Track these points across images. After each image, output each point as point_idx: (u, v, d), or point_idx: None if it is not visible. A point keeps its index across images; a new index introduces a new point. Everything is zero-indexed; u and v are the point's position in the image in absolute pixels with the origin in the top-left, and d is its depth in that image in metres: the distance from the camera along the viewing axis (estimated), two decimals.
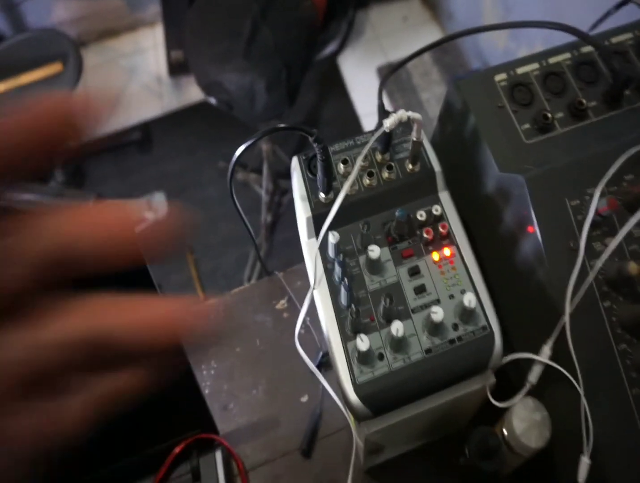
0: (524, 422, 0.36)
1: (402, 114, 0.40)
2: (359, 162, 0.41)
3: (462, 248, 0.42)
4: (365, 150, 0.41)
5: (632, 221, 0.36)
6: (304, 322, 0.50)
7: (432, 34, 1.98)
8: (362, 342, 0.35)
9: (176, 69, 1.99)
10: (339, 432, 0.49)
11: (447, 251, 0.41)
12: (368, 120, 1.74)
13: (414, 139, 0.42)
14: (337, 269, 0.39)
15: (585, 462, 0.34)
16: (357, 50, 2.04)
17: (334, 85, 1.75)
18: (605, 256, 0.36)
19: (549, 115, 0.44)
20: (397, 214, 0.41)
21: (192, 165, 1.66)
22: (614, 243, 0.36)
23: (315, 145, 0.40)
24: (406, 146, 0.46)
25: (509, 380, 0.39)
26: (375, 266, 0.40)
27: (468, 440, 0.36)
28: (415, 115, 0.40)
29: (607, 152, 0.40)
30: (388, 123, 0.40)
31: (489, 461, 0.35)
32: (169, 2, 1.94)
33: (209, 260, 1.39)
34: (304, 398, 0.48)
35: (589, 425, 0.34)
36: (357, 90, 1.85)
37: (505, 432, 0.37)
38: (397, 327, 0.35)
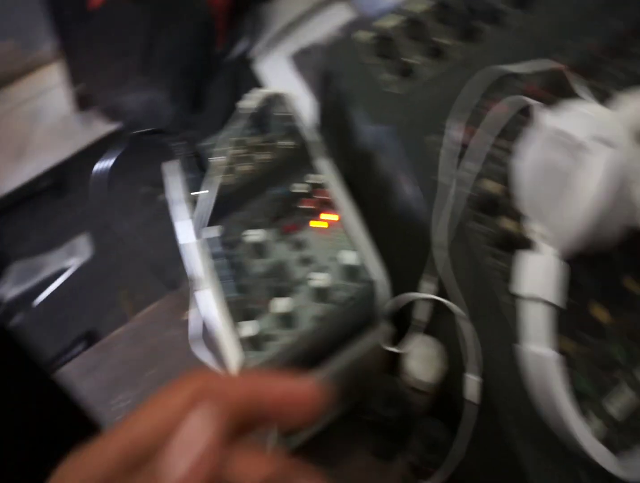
0: (419, 360, 0.39)
1: (262, 92, 0.43)
2: (221, 154, 0.44)
3: (344, 211, 0.45)
4: (228, 143, 0.44)
5: (483, 140, 0.40)
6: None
7: (341, 14, 2.04)
8: (249, 328, 0.38)
9: (82, 103, 1.99)
10: None
11: (329, 217, 0.45)
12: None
13: (284, 114, 0.45)
14: (221, 263, 0.42)
15: (471, 378, 0.37)
16: (268, 43, 2.09)
17: (250, 83, 1.79)
18: (463, 178, 0.40)
19: (411, 62, 0.48)
20: (274, 192, 0.44)
21: (113, 198, 1.67)
22: (468, 165, 0.40)
23: (178, 145, 0.43)
24: (283, 124, 0.49)
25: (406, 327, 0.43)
26: (259, 250, 0.43)
27: (372, 394, 0.40)
28: (280, 91, 0.43)
29: (460, 84, 0.44)
30: (249, 103, 0.43)
31: (393, 408, 0.39)
32: (66, 35, 1.94)
33: (142, 290, 1.39)
34: None
35: (472, 344, 0.38)
36: (273, 83, 1.90)
37: (403, 371, 0.40)
38: (280, 304, 0.38)
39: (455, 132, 0.41)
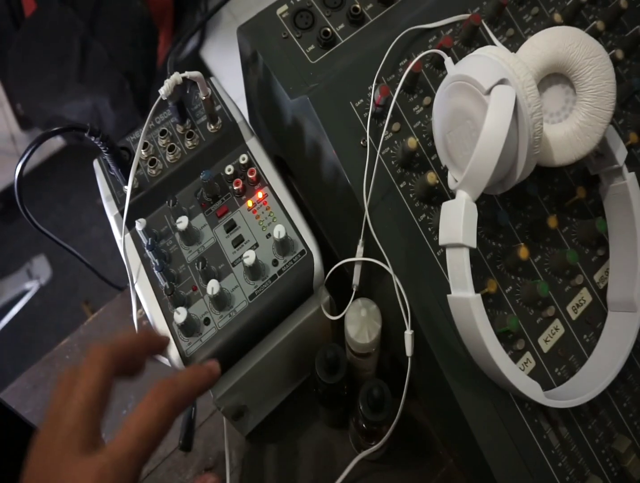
0: (355, 323, 0.40)
1: (176, 76, 0.42)
2: (141, 142, 0.43)
3: (273, 186, 0.44)
4: (144, 131, 0.43)
5: (394, 97, 0.40)
6: None
7: None
8: (179, 315, 0.37)
9: (24, 123, 1.94)
10: (214, 414, 0.52)
11: (259, 194, 0.44)
12: (241, 103, 1.77)
13: (203, 97, 0.44)
14: (150, 254, 0.41)
15: (407, 334, 0.38)
16: (218, 38, 2.06)
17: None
18: (383, 138, 0.40)
19: (329, 30, 0.47)
20: (201, 177, 0.43)
21: (69, 213, 1.63)
22: (386, 124, 0.40)
23: (92, 139, 0.42)
24: (207, 108, 0.48)
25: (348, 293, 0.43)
26: (189, 236, 0.42)
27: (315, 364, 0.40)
28: (193, 74, 0.42)
29: (379, 46, 0.44)
30: (163, 90, 0.42)
31: (335, 374, 0.39)
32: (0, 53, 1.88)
33: (106, 302, 1.36)
34: None
35: (405, 299, 0.38)
36: (226, 78, 1.88)
37: (345, 338, 0.41)
38: (211, 286, 0.38)
39: (376, 93, 0.40)
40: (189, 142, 0.46)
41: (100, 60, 1.27)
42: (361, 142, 0.41)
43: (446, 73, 0.40)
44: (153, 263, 0.41)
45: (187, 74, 0.41)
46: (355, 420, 0.43)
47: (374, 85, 0.42)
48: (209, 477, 0.29)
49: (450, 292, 0.35)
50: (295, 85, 0.46)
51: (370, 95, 0.42)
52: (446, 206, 0.34)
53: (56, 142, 1.78)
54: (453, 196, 0.37)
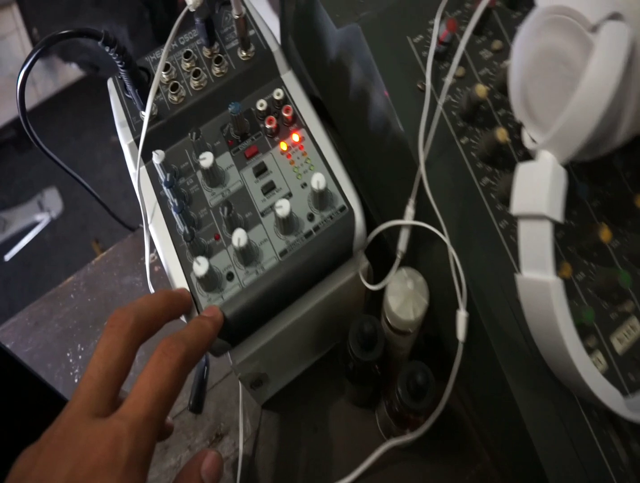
0: (398, 295, 0.33)
1: None
2: (162, 62, 0.36)
3: (311, 128, 0.38)
4: (165, 49, 0.36)
5: (466, 36, 0.33)
6: None
7: None
8: (199, 266, 0.31)
9: None
10: (228, 376, 0.47)
11: (295, 137, 0.37)
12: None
13: (235, 16, 0.37)
14: (167, 192, 0.35)
15: (461, 316, 0.32)
16: None
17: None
18: (447, 83, 0.33)
19: None
20: (229, 110, 0.36)
21: (82, 148, 1.55)
22: (453, 67, 0.33)
23: (107, 49, 0.35)
24: (239, 31, 0.40)
25: (389, 260, 0.37)
26: (213, 177, 0.36)
27: (349, 337, 0.34)
28: None
29: None
30: (191, 0, 0.35)
31: (371, 351, 0.33)
32: None
33: (115, 241, 1.32)
34: None
35: (460, 276, 0.32)
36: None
37: (384, 311, 0.35)
38: (238, 237, 0.32)
39: (441, 28, 0.33)
40: (216, 68, 0.39)
41: None
42: (418, 85, 0.34)
43: (526, 11, 0.32)
44: (171, 204, 0.35)
45: None
46: (388, 403, 0.37)
47: (437, 19, 0.34)
48: (209, 453, 0.27)
49: (515, 271, 0.29)
50: (342, 12, 0.38)
51: (432, 31, 0.35)
52: (525, 169, 0.28)
53: (72, 73, 1.68)
54: (528, 158, 0.30)
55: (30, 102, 1.81)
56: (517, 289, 0.28)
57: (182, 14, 0.34)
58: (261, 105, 0.38)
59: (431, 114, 0.33)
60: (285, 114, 0.38)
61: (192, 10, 0.34)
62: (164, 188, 0.35)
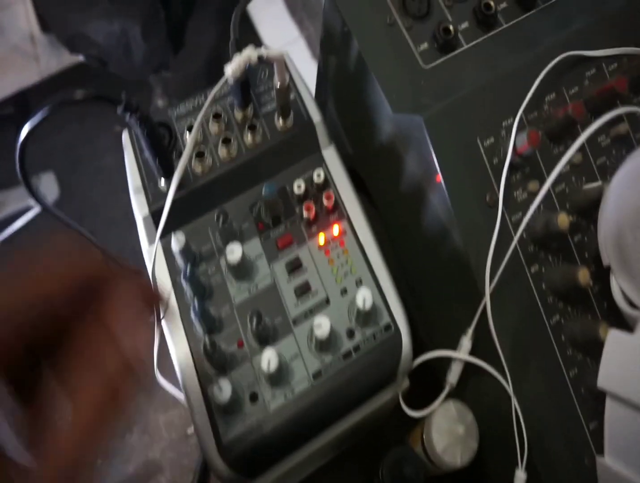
0: (444, 435, 0.29)
1: (250, 53, 0.28)
2: (196, 129, 0.30)
3: (354, 221, 0.32)
4: (200, 117, 0.30)
5: (563, 161, 0.28)
6: None
7: None
8: (221, 392, 0.26)
9: (46, 25, 1.70)
10: None
11: (335, 229, 0.32)
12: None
13: (277, 85, 0.31)
14: (185, 285, 0.29)
15: (520, 477, 0.27)
16: None
17: (241, 19, 1.54)
18: (531, 210, 0.28)
19: (451, 27, 0.34)
20: (263, 191, 0.31)
21: (83, 134, 1.46)
22: (541, 193, 0.28)
23: (127, 116, 0.29)
24: (277, 96, 0.34)
25: (428, 377, 0.32)
26: (240, 269, 0.30)
27: (381, 464, 0.29)
28: (273, 53, 0.29)
29: (522, 68, 0.31)
30: (230, 70, 0.29)
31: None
32: None
33: (114, 237, 1.24)
34: (191, 429, 0.39)
35: (522, 429, 0.27)
36: (264, 23, 1.66)
37: (425, 445, 0.30)
38: (268, 358, 0.26)
39: (519, 138, 0.28)
40: (249, 136, 0.33)
41: None
42: (487, 198, 0.29)
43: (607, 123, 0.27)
44: (189, 300, 0.30)
45: (264, 52, 0.28)
46: None
47: (516, 122, 0.29)
48: None
49: (587, 433, 0.24)
50: (399, 94, 0.33)
51: (505, 135, 0.30)
52: (620, 340, 0.23)
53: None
54: (609, 299, 0.25)
55: (31, 79, 1.70)
56: (597, 471, 0.23)
57: (220, 83, 0.29)
58: (299, 186, 0.33)
59: (502, 240, 0.28)
60: (325, 201, 0.32)
61: (232, 82, 0.28)
62: (183, 281, 0.29)
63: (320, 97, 0.46)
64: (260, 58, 0.28)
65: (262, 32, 1.66)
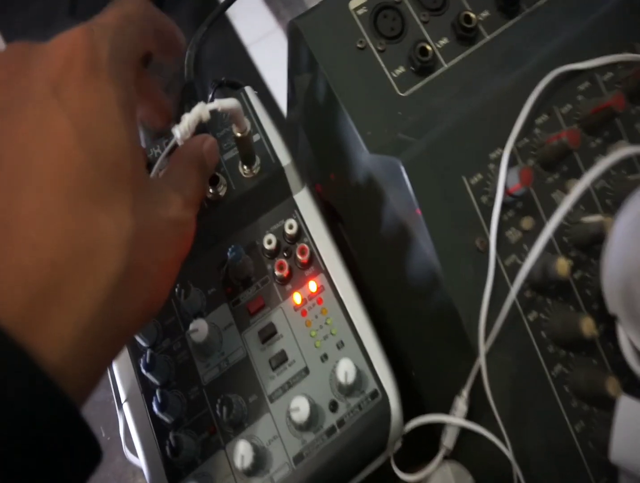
0: None
1: (201, 110, 0.24)
2: None
3: (332, 274, 0.29)
4: (153, 173, 0.26)
5: (565, 207, 0.24)
6: None
7: None
8: None
9: None
10: None
11: (312, 286, 0.29)
12: (255, 49, 1.54)
13: (237, 134, 0.27)
14: (146, 372, 0.26)
15: None
16: None
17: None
18: (530, 260, 0.25)
19: (428, 47, 0.30)
20: (228, 254, 0.27)
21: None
22: (540, 242, 0.24)
23: None
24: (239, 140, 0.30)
25: (421, 433, 0.29)
26: (208, 346, 0.27)
27: None
28: (226, 105, 0.24)
29: (509, 89, 0.27)
30: (178, 133, 0.24)
31: None
32: None
33: None
34: None
35: None
36: (239, 17, 1.61)
37: None
38: (241, 454, 0.23)
39: (510, 176, 0.25)
40: (210, 190, 0.29)
41: None
42: (477, 243, 0.25)
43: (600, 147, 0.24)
44: (151, 384, 0.27)
45: (217, 104, 0.24)
46: None
47: (505, 157, 0.26)
48: (208, 137, 0.25)
49: None
50: (375, 130, 0.29)
51: (493, 169, 0.26)
52: (633, 409, 0.20)
53: None
54: (614, 345, 0.22)
55: None
56: None
57: (169, 147, 0.25)
58: (269, 242, 0.29)
59: (496, 290, 0.25)
60: (300, 256, 0.29)
61: (180, 143, 0.24)
62: (143, 370, 0.26)
63: (291, 120, 0.42)
64: (213, 113, 0.24)
65: (238, 26, 1.60)
